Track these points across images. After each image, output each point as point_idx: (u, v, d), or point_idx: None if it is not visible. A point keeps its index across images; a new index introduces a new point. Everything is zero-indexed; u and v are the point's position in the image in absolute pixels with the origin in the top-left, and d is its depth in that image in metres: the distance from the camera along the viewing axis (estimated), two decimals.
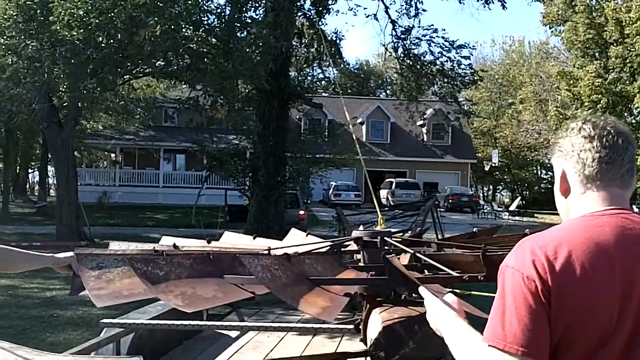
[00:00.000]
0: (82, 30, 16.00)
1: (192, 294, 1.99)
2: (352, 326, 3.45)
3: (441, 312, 1.66)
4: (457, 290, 2.67)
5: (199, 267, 2.21)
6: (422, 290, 1.83)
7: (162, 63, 20.04)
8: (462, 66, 25.37)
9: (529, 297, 1.42)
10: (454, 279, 2.44)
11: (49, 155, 30.90)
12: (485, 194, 59.53)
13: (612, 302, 1.43)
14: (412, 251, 2.87)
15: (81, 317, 10.17)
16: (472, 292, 3.47)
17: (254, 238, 3.63)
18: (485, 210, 38.39)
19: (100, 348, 4.26)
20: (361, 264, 2.97)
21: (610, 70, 32.50)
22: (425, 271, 2.81)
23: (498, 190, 61.57)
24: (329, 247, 3.06)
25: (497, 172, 53.08)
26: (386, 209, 21.65)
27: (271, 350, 5.21)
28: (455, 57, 24.81)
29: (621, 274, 1.45)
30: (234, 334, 5.65)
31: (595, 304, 1.42)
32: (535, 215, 37.02)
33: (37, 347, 2.67)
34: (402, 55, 24.96)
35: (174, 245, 2.83)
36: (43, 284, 12.89)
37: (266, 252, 2.90)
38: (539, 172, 52.57)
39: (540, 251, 1.46)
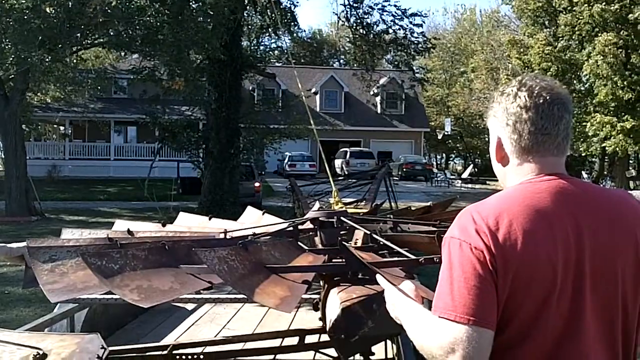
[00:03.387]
0: None
1: (149, 287, 1.96)
2: (308, 296, 3.47)
3: (399, 301, 1.67)
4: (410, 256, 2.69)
5: (154, 258, 2.17)
6: (379, 279, 1.84)
7: (112, 34, 19.54)
8: (415, 34, 25.42)
9: (478, 267, 1.44)
10: (410, 262, 2.47)
11: None
12: (439, 162, 60.30)
13: (553, 266, 1.45)
14: (368, 232, 2.88)
15: (33, 293, 9.94)
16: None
17: (209, 219, 3.60)
18: (439, 179, 38.90)
19: (54, 324, 4.21)
20: (319, 245, 2.98)
21: (560, 38, 32.97)
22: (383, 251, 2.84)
23: (451, 159, 62.47)
24: (285, 230, 3.06)
25: (450, 141, 53.81)
26: (340, 178, 21.77)
27: (228, 322, 5.23)
28: (407, 26, 24.87)
29: (562, 237, 1.48)
30: (190, 306, 5.64)
31: (536, 269, 1.45)
32: (487, 182, 37.68)
33: None
34: (354, 24, 24.85)
35: (128, 231, 2.79)
36: None
37: (222, 235, 2.89)
38: None
39: (482, 221, 1.48)
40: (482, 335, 1.41)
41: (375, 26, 24.76)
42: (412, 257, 2.48)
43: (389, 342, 3.63)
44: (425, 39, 25.96)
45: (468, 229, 1.49)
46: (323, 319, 2.79)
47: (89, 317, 4.80)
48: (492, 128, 1.69)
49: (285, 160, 38.09)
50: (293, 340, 3.19)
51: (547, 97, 1.59)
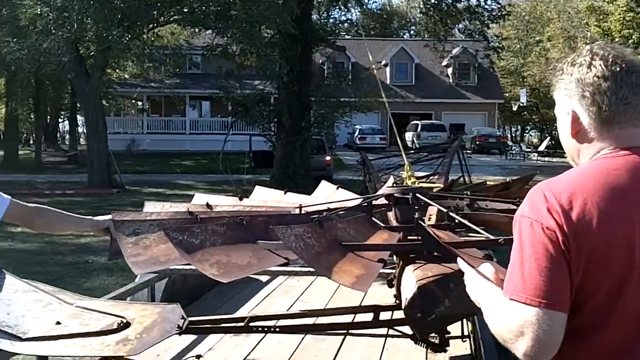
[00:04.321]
0: None
1: (227, 262, 2.00)
2: (382, 270, 3.48)
3: (478, 284, 1.64)
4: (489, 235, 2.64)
5: (232, 233, 2.23)
6: (460, 262, 1.81)
7: (187, 10, 19.97)
8: (489, 2, 24.75)
9: (550, 247, 1.38)
10: (489, 243, 2.42)
11: (78, 105, 31.17)
12: (514, 135, 58.85)
13: (630, 248, 1.39)
14: (444, 209, 2.85)
15: (115, 262, 10.30)
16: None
17: (285, 193, 3.64)
18: (514, 151, 38.02)
19: (136, 293, 4.38)
20: (393, 221, 2.97)
21: None
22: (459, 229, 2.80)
23: (526, 131, 60.82)
24: (360, 205, 3.06)
25: (526, 112, 52.19)
26: (411, 151, 21.59)
27: (301, 294, 5.33)
28: None
29: (638, 214, 1.41)
30: (264, 278, 5.77)
31: (613, 250, 1.38)
32: (565, 155, 36.41)
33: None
34: None
35: (207, 205, 2.86)
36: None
37: (298, 210, 2.92)
38: None
39: (555, 200, 1.41)
40: (553, 319, 1.36)
41: None
42: (491, 237, 2.42)
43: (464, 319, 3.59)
44: (499, 6, 25.25)
45: (539, 208, 1.42)
46: (398, 296, 2.78)
47: (168, 287, 4.97)
48: (563, 101, 1.61)
49: (356, 134, 38.01)
50: (366, 316, 3.20)
51: (624, 65, 1.51)
